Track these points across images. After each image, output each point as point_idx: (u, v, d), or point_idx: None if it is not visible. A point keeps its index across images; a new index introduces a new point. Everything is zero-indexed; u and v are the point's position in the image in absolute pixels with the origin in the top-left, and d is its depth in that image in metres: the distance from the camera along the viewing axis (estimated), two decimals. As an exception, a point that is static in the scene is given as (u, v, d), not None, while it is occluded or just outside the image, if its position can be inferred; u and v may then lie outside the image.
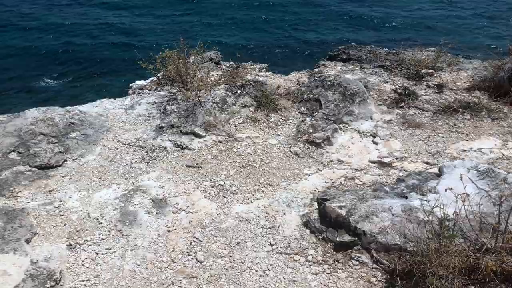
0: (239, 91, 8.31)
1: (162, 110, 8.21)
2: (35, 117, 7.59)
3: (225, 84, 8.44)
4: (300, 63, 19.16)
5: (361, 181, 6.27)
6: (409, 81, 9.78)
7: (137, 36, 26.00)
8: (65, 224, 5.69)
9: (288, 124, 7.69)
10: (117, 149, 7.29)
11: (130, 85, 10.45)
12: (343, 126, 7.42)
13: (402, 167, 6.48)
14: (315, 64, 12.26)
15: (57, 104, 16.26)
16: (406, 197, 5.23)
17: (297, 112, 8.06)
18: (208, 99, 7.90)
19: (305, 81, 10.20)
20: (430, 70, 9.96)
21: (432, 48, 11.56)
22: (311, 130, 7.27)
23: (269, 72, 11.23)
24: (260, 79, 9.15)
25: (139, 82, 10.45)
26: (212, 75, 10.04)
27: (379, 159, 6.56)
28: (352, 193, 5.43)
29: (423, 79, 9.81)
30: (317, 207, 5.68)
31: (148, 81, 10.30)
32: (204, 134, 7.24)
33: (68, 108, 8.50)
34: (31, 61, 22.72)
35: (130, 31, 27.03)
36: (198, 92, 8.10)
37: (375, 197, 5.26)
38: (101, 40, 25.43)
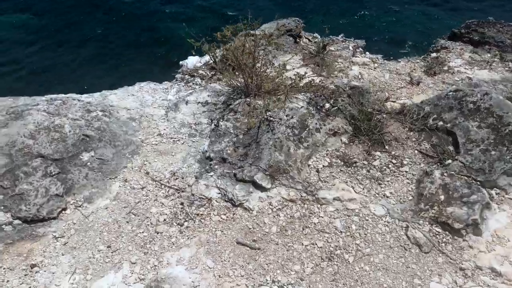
0: (327, 105, 5.53)
1: (214, 125, 5.69)
2: (39, 123, 5.40)
3: (306, 93, 5.66)
4: (409, 41, 15.05)
5: (538, 330, 3.51)
6: None
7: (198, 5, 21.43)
8: None
9: (403, 175, 4.89)
10: (142, 189, 4.97)
11: (181, 63, 7.95)
12: (497, 195, 4.52)
13: None
14: (432, 46, 8.94)
15: (88, 84, 13.81)
16: None
17: (416, 151, 5.19)
18: (281, 119, 5.22)
19: (421, 77, 7.13)
20: None
21: None
22: (442, 197, 4.46)
23: (367, 55, 8.19)
24: (357, 83, 6.23)
25: (192, 60, 7.90)
26: (288, 63, 7.23)
27: None
28: None
29: None
30: None
31: (202, 61, 7.71)
32: (269, 185, 4.67)
33: (91, 102, 6.24)
34: (66, 25, 19.95)
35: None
36: (267, 102, 5.42)
37: None
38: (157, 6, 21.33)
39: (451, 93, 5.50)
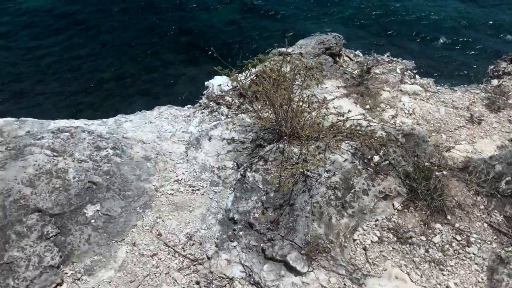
0: (376, 158, 4.61)
1: (240, 174, 4.85)
2: (40, 166, 4.69)
3: (350, 140, 4.75)
4: (462, 62, 13.49)
5: None
6: None
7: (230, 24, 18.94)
8: None
9: (470, 258, 3.96)
10: (152, 256, 4.20)
11: (206, 83, 7.12)
12: None
13: None
14: (492, 68, 7.82)
15: (105, 107, 13.09)
16: None
17: (485, 224, 4.22)
18: (320, 175, 4.35)
19: (483, 114, 6.12)
20: None
21: None
22: (524, 298, 3.51)
23: (417, 80, 7.18)
24: (412, 128, 5.28)
25: (218, 81, 7.04)
26: (327, 91, 6.32)
27: None
28: None
29: None
30: None
31: (230, 84, 6.85)
32: (304, 269, 3.82)
33: (102, 133, 5.50)
34: (95, 12, 19.08)
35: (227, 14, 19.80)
36: (304, 153, 4.55)
37: None
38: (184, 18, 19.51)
39: (530, 149, 4.49)
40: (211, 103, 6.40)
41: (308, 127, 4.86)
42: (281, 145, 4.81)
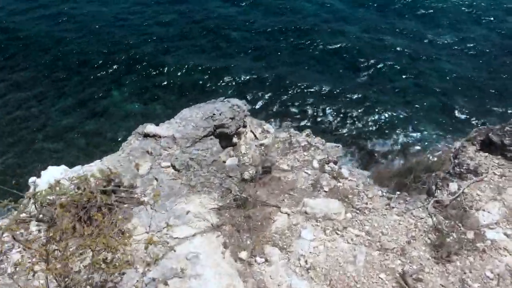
0: None
1: None
2: None
3: None
4: (407, 146, 9.96)
5: None
6: None
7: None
8: None
9: None
10: None
11: (31, 181, 4.87)
12: None
13: None
14: (456, 144, 5.61)
15: None
16: None
17: None
18: None
19: (424, 264, 3.96)
20: None
21: None
22: None
23: (341, 182, 4.97)
24: None
25: (48, 177, 4.78)
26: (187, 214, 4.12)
27: None
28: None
29: None
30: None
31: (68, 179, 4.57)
32: None
33: None
34: None
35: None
36: None
37: None
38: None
39: None
40: (13, 227, 4.13)
41: None
42: None
